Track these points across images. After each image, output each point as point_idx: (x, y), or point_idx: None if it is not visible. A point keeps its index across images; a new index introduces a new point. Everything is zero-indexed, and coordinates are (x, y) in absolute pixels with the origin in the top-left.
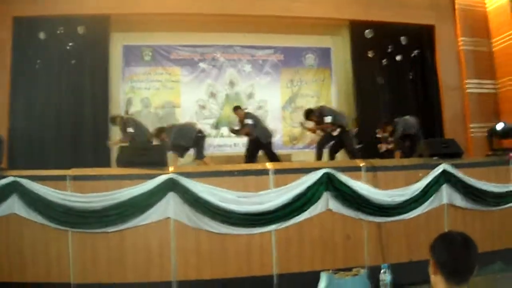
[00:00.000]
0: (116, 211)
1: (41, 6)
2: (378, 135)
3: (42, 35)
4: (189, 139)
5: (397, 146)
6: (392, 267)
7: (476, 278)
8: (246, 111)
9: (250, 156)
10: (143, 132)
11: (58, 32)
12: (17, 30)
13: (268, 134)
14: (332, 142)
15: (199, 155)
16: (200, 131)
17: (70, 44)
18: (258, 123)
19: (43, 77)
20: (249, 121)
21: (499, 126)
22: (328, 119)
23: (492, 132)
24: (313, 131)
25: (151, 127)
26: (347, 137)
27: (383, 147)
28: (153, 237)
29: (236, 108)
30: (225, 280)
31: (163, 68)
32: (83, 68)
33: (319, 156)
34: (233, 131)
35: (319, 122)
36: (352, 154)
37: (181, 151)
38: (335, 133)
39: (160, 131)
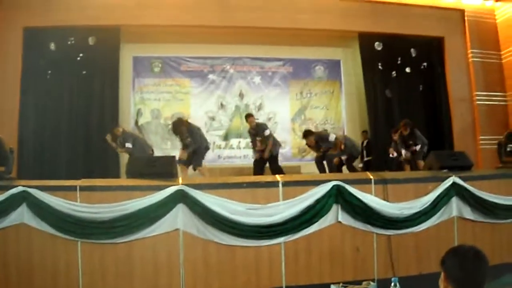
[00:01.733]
0: (125, 222)
1: (52, 16)
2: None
3: (52, 46)
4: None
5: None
6: (401, 280)
7: None
8: (257, 121)
9: (258, 168)
10: (142, 147)
11: (69, 43)
12: (28, 40)
13: (278, 146)
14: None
15: (198, 162)
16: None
17: (81, 55)
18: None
19: (53, 87)
20: (267, 132)
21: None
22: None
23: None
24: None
25: (161, 138)
26: (349, 163)
27: (392, 152)
28: (162, 249)
29: (249, 116)
30: None
31: (173, 80)
32: (93, 79)
33: (321, 170)
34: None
35: (314, 145)
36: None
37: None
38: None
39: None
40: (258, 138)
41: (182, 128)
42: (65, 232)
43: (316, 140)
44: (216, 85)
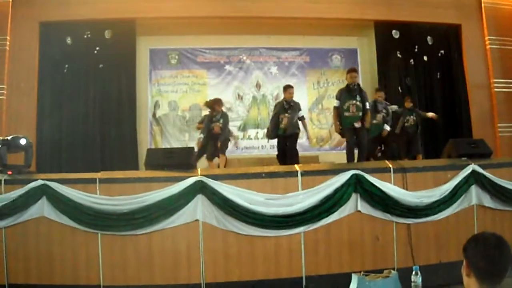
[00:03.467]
0: (144, 213)
1: (68, 11)
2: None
3: (69, 40)
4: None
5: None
6: (421, 269)
7: (508, 279)
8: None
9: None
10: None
11: (85, 36)
12: (44, 35)
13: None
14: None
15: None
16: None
17: (97, 48)
18: None
19: (70, 81)
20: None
21: None
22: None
23: None
24: None
25: (178, 130)
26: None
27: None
28: (181, 240)
29: (289, 87)
30: (253, 282)
31: (190, 71)
32: (110, 72)
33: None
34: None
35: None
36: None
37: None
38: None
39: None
40: (286, 115)
41: (219, 108)
42: (85, 224)
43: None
44: (233, 76)
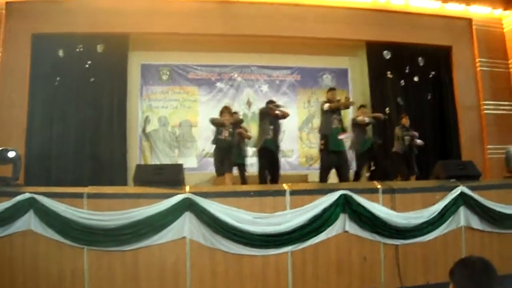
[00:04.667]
0: (132, 229)
1: (60, 23)
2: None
3: (61, 53)
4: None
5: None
6: None
7: None
8: None
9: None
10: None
11: (77, 50)
12: (36, 47)
13: None
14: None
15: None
16: None
17: (89, 62)
18: None
19: (61, 94)
20: None
21: None
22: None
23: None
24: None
25: (168, 146)
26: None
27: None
28: (168, 257)
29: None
30: None
31: (181, 88)
32: (101, 86)
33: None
34: None
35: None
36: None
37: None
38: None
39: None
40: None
41: (227, 116)
42: (72, 239)
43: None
44: (224, 93)
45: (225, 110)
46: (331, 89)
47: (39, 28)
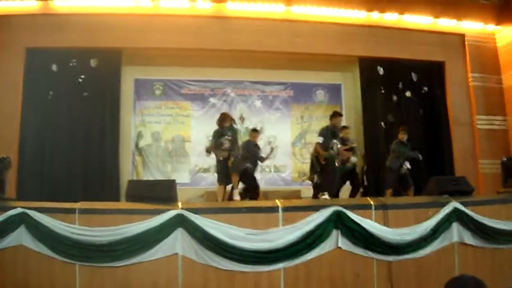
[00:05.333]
0: (123, 246)
1: (54, 38)
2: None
3: (54, 67)
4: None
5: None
6: None
7: None
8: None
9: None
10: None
11: (70, 64)
12: (30, 61)
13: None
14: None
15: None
16: None
17: (82, 76)
18: None
19: (54, 109)
20: None
21: None
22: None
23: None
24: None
25: (161, 161)
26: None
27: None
28: (160, 273)
29: (254, 131)
30: None
31: (174, 103)
32: (94, 100)
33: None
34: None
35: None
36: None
37: None
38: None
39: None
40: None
41: (227, 124)
42: (64, 255)
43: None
44: (217, 108)
45: (227, 117)
46: (336, 114)
47: (33, 42)
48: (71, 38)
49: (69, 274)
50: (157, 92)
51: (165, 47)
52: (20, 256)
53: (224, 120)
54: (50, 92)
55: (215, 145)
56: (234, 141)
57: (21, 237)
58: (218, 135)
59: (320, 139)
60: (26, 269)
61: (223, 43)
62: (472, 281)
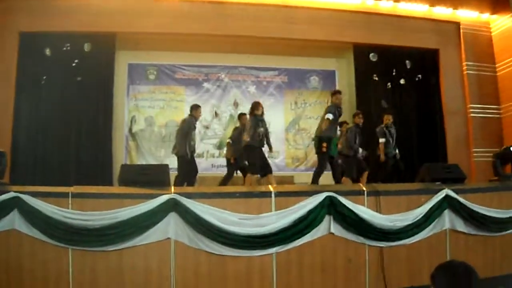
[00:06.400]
0: (116, 230)
1: (48, 22)
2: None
3: (48, 51)
4: None
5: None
6: None
7: None
8: None
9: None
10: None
11: (64, 48)
12: (23, 45)
13: None
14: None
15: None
16: None
17: (76, 61)
18: None
19: (47, 93)
20: None
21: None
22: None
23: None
24: None
25: (154, 146)
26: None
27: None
28: (153, 257)
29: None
30: None
31: (168, 87)
32: (88, 85)
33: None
34: None
35: None
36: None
37: None
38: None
39: None
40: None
41: (259, 112)
42: (56, 239)
43: None
44: (211, 93)
45: (259, 105)
46: (336, 92)
47: (26, 26)
48: (65, 23)
49: (62, 258)
50: (151, 76)
51: (159, 32)
52: (13, 240)
53: (256, 108)
54: (44, 77)
55: (252, 134)
56: (266, 130)
57: (14, 221)
58: (256, 124)
59: (330, 116)
60: (19, 253)
61: (218, 28)
62: (461, 266)
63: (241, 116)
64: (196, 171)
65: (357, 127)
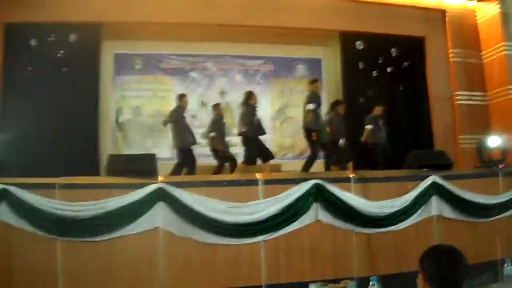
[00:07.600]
0: (104, 220)
1: (33, 12)
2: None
3: (33, 42)
4: None
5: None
6: (381, 279)
7: None
8: None
9: None
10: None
11: (50, 39)
12: (8, 36)
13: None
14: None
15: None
16: None
17: (61, 51)
18: None
19: (33, 84)
20: None
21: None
22: None
23: (482, 145)
24: None
25: (141, 136)
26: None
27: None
28: (141, 247)
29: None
30: None
31: (154, 77)
32: (74, 75)
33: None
34: None
35: None
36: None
37: None
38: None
39: None
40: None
41: (252, 101)
42: (44, 230)
43: None
44: (197, 83)
45: (252, 95)
46: (314, 81)
47: (11, 17)
48: (50, 13)
49: (50, 249)
50: (137, 66)
51: (145, 21)
52: (1, 233)
53: (250, 97)
54: (29, 68)
55: (249, 123)
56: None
57: (1, 213)
58: (251, 112)
59: (311, 106)
60: (7, 246)
61: (204, 17)
62: (449, 250)
63: (216, 106)
64: (194, 160)
65: (339, 117)
